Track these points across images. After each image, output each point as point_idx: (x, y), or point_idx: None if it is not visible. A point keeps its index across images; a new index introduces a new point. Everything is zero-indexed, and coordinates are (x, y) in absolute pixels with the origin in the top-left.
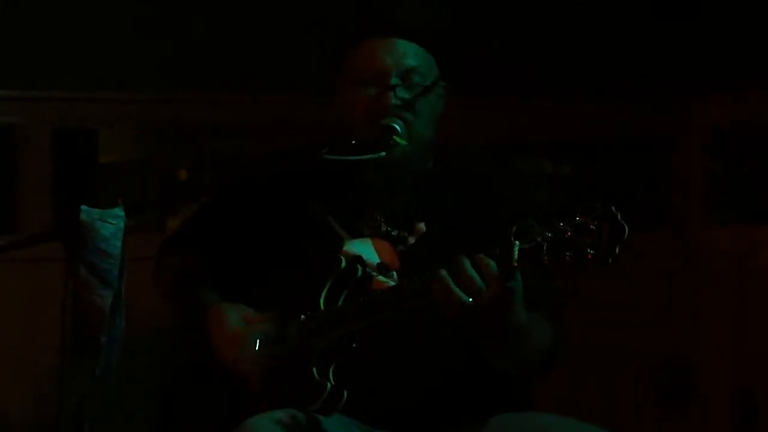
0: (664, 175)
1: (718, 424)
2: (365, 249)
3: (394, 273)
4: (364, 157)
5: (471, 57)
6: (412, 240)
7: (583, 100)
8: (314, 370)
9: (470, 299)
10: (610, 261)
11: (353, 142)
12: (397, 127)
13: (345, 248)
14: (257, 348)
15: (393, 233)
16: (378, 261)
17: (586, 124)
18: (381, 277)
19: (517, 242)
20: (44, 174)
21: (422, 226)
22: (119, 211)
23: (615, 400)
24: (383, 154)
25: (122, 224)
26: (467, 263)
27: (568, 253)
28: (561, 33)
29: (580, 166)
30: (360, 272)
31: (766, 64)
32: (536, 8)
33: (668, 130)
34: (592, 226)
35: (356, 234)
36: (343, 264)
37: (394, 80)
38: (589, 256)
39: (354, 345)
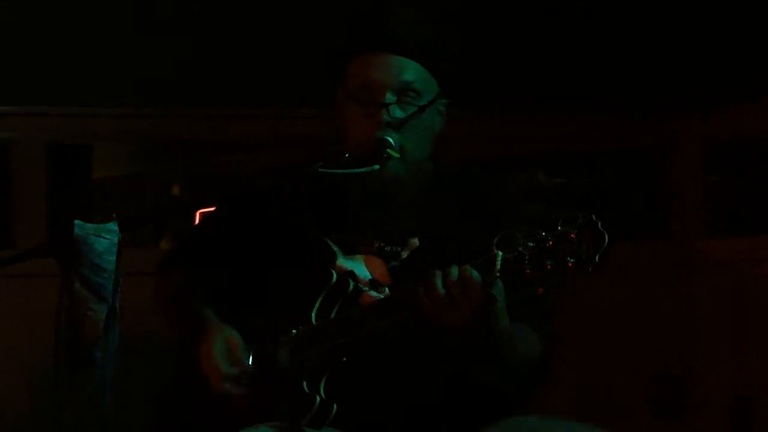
0: (662, 187)
1: None
2: (357, 266)
3: (386, 288)
4: (357, 170)
5: (467, 70)
6: (404, 255)
7: (581, 113)
8: (304, 383)
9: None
10: (589, 269)
11: (346, 155)
12: (390, 140)
13: (337, 264)
14: (249, 364)
15: (386, 249)
16: (370, 277)
17: (583, 136)
18: (372, 293)
19: (500, 252)
20: (39, 189)
21: (415, 241)
22: (113, 226)
23: (611, 412)
24: (376, 167)
25: (116, 239)
26: (455, 270)
27: (549, 262)
28: (558, 45)
29: (578, 179)
30: (351, 287)
31: (764, 76)
32: (534, 21)
33: (666, 142)
34: (572, 235)
35: (349, 251)
36: (335, 279)
37: (389, 97)
38: (570, 264)
39: (344, 359)
